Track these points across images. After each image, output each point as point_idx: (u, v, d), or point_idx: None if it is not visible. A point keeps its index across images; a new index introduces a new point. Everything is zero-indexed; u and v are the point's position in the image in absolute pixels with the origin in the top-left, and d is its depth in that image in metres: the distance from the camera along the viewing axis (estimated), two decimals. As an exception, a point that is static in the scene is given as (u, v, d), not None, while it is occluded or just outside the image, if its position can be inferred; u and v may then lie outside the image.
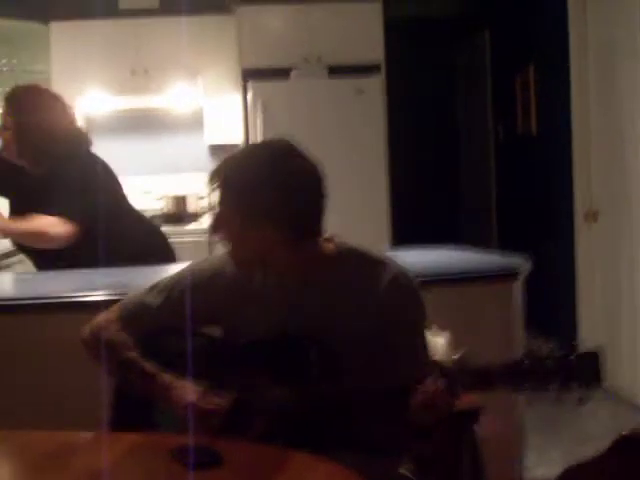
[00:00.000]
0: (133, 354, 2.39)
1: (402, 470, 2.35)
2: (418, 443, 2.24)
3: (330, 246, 2.33)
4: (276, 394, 2.23)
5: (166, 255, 4.22)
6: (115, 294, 3.22)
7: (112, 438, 2.29)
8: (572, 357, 1.90)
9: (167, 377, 2.33)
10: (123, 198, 4.28)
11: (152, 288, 2.48)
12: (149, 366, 2.35)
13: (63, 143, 3.92)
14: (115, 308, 2.51)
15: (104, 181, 4.02)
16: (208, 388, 2.28)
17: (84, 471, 2.07)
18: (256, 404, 2.27)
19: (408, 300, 2.33)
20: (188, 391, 2.28)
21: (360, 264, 2.35)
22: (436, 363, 2.06)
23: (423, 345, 2.37)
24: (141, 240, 4.22)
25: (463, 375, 2.01)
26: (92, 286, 3.41)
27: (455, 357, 2.03)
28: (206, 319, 2.40)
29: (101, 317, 2.51)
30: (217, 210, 2.24)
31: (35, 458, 2.12)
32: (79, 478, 1.99)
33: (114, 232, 3.83)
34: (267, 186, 2.17)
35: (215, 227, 2.27)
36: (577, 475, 1.77)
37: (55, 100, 4.05)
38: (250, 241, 2.24)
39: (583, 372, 1.89)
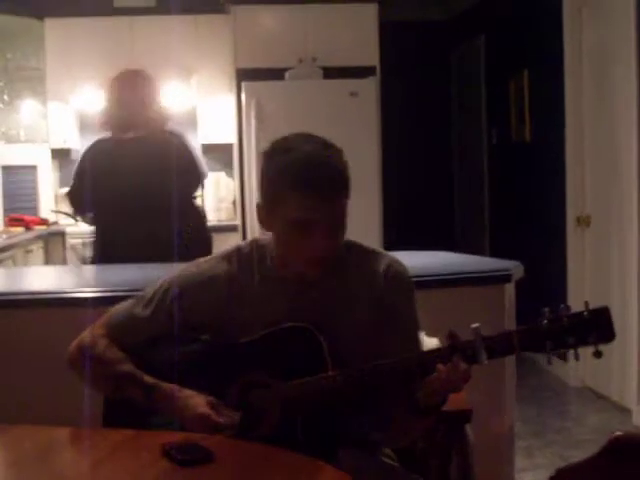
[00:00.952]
0: (129, 367, 2.33)
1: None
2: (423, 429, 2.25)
3: None
4: (282, 390, 2.21)
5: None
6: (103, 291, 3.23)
7: (101, 434, 2.28)
8: (585, 313, 2.00)
9: (171, 387, 2.28)
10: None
11: (140, 299, 2.41)
12: (148, 378, 2.30)
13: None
14: (101, 324, 2.43)
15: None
16: (215, 398, 2.24)
17: (72, 466, 2.06)
18: (263, 402, 2.25)
19: (405, 288, 2.35)
20: (197, 402, 2.23)
21: (357, 256, 2.36)
22: (454, 335, 2.07)
23: (417, 332, 2.39)
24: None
25: (486, 342, 2.05)
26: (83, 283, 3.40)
27: (474, 326, 2.04)
28: (200, 325, 2.35)
29: (86, 335, 2.42)
30: (336, 210, 2.20)
31: (22, 453, 2.10)
32: (67, 473, 1.98)
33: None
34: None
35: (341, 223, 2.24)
36: (569, 477, 1.76)
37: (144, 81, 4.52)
38: (340, 239, 2.25)
39: (597, 326, 1.99)
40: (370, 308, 2.30)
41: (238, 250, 2.39)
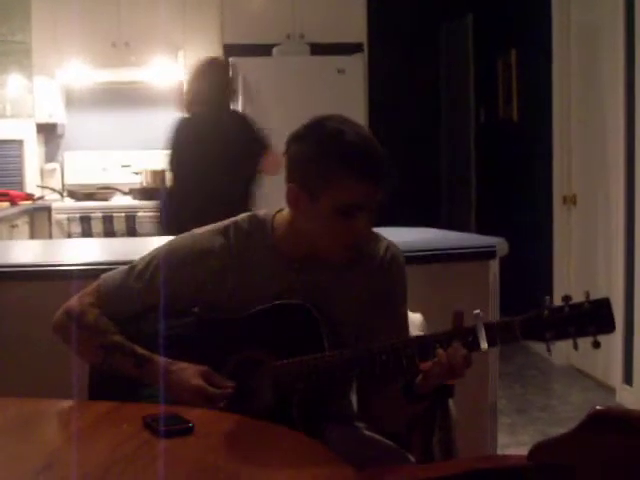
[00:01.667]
0: (118, 338, 2.30)
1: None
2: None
3: None
4: (276, 367, 2.20)
5: None
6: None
7: (83, 405, 2.28)
8: (586, 304, 2.01)
9: (163, 360, 2.26)
10: None
11: (132, 269, 2.37)
12: (141, 349, 2.28)
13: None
14: (91, 291, 2.39)
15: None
16: (209, 369, 2.23)
17: (53, 438, 2.06)
18: (258, 381, 2.25)
19: (400, 272, 2.36)
20: (190, 373, 2.21)
21: None
22: (459, 316, 2.07)
23: (407, 316, 2.41)
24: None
25: (487, 330, 2.05)
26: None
27: (476, 312, 2.05)
28: (192, 298, 2.33)
29: (75, 301, 2.38)
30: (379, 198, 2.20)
31: (3, 424, 2.09)
32: (48, 444, 1.97)
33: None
34: None
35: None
36: (548, 450, 1.77)
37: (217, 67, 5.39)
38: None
39: (597, 317, 2.00)
40: (367, 289, 2.31)
41: (235, 224, 2.36)
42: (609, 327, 2.00)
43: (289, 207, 2.26)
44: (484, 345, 2.05)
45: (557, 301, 2.03)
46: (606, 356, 5.55)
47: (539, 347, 6.30)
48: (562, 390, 5.77)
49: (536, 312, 2.04)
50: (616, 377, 5.45)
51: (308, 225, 2.23)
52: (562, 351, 6.08)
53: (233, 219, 2.39)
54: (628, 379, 5.31)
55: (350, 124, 2.19)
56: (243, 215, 2.41)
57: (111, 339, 2.31)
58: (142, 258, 2.40)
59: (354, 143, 2.15)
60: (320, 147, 2.17)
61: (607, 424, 1.72)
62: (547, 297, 2.06)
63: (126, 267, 2.41)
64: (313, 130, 2.21)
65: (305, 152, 2.20)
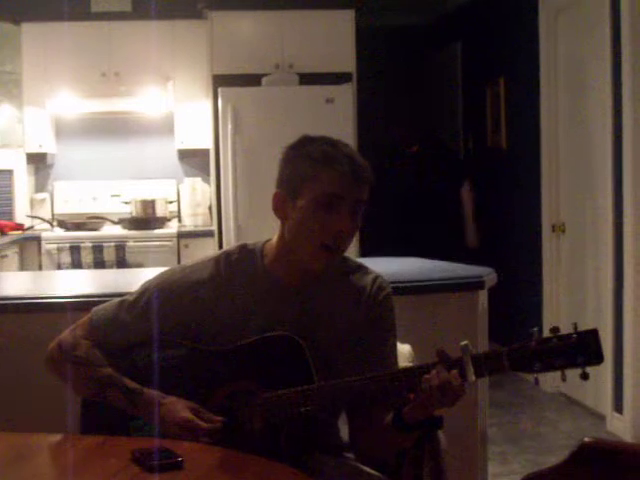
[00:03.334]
0: (110, 371, 2.33)
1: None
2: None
3: None
4: (265, 399, 2.21)
5: None
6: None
7: (71, 439, 2.27)
8: (574, 335, 2.00)
9: (154, 393, 2.28)
10: None
11: (123, 302, 2.41)
12: (131, 382, 2.30)
13: None
14: (82, 324, 2.42)
15: None
16: (198, 403, 2.24)
17: (43, 472, 2.05)
18: (247, 412, 2.25)
19: (388, 302, 2.38)
20: (180, 407, 2.23)
21: (344, 269, 2.40)
22: (442, 353, 2.07)
23: (395, 345, 2.42)
24: None
25: (474, 361, 2.04)
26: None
27: (463, 344, 2.05)
28: (182, 330, 2.34)
29: (67, 334, 2.41)
30: (362, 195, 2.28)
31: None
32: (38, 479, 1.97)
33: None
34: None
35: (360, 212, 2.29)
36: (537, 483, 1.78)
37: None
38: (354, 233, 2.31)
39: (585, 349, 1.99)
40: (353, 321, 2.33)
41: (226, 255, 2.40)
42: (597, 359, 2.00)
43: (276, 214, 2.32)
44: (471, 377, 2.05)
45: (546, 331, 2.03)
46: (596, 384, 5.56)
47: (529, 375, 6.29)
48: (552, 418, 5.76)
49: (524, 343, 2.04)
50: (606, 405, 5.45)
51: (293, 230, 2.28)
52: (552, 379, 6.08)
53: (224, 250, 2.45)
54: (618, 407, 5.32)
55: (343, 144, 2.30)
56: (233, 246, 2.46)
57: (103, 372, 2.33)
58: (134, 291, 2.43)
59: (328, 141, 2.29)
60: (296, 149, 2.31)
61: (595, 456, 1.73)
62: (535, 328, 2.06)
63: (117, 300, 2.44)
64: (302, 142, 2.33)
65: (283, 158, 2.32)
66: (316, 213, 2.22)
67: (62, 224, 7.25)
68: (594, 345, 2.00)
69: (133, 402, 2.28)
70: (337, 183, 2.21)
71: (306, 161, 2.25)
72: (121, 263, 6.80)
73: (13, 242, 6.75)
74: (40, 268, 6.86)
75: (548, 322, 6.15)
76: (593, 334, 2.01)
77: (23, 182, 7.49)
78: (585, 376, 2.00)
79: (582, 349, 1.99)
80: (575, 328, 2.02)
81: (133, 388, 2.29)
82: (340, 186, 2.21)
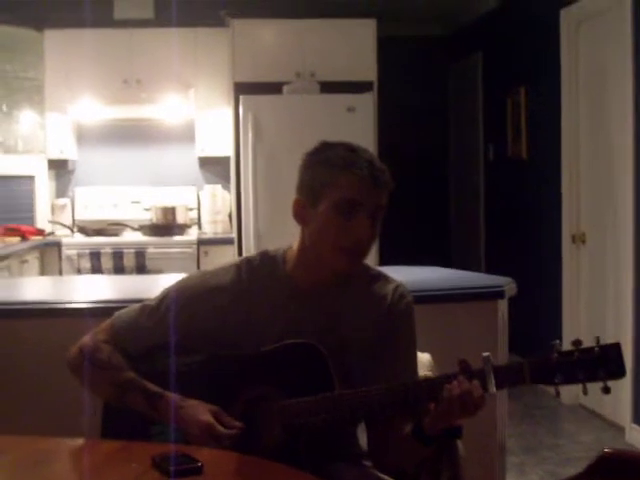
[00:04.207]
0: (131, 375, 2.34)
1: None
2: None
3: None
4: (285, 406, 2.21)
5: None
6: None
7: (93, 444, 2.28)
8: (596, 349, 1.99)
9: (175, 396, 2.28)
10: None
11: (144, 307, 2.42)
12: (152, 386, 2.31)
13: None
14: (104, 328, 2.43)
15: None
16: (219, 407, 2.24)
17: (64, 476, 2.06)
18: (266, 419, 2.25)
19: (409, 311, 2.38)
20: (201, 410, 2.23)
21: (365, 277, 2.40)
22: (464, 363, 2.07)
23: (416, 354, 2.42)
24: None
25: (495, 372, 2.04)
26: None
27: (485, 355, 2.05)
28: (203, 336, 2.35)
29: (88, 338, 2.42)
30: (382, 201, 2.29)
31: (12, 464, 2.09)
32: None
33: None
34: None
35: (380, 219, 2.31)
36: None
37: None
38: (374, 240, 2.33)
39: (607, 362, 1.98)
40: (374, 329, 2.33)
41: (247, 261, 2.41)
42: (619, 373, 1.99)
43: (296, 220, 2.33)
44: (492, 389, 2.04)
45: (566, 343, 2.02)
46: (615, 396, 5.50)
47: (549, 387, 6.28)
48: (571, 429, 5.73)
49: (545, 356, 2.03)
50: (625, 417, 5.42)
51: (313, 236, 2.28)
52: (571, 390, 6.03)
53: (245, 256, 2.46)
54: (637, 419, 5.29)
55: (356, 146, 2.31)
56: (254, 253, 2.47)
57: (125, 376, 2.34)
58: (155, 296, 2.44)
59: (347, 147, 2.28)
60: (315, 155, 2.31)
61: (614, 467, 1.72)
62: (557, 341, 2.04)
63: (139, 305, 2.45)
64: (311, 149, 2.34)
65: (303, 164, 2.33)
66: (336, 219, 2.23)
67: (82, 230, 7.29)
68: (616, 359, 1.99)
69: (153, 405, 2.28)
70: (356, 188, 2.21)
71: (325, 167, 2.26)
72: (141, 270, 6.82)
73: (34, 247, 6.79)
74: (60, 273, 6.89)
75: (568, 333, 6.12)
76: (616, 348, 2.00)
77: (44, 188, 7.53)
78: (607, 390, 1.99)
79: (604, 363, 1.98)
80: (597, 341, 2.00)
81: (154, 392, 2.30)
82: (359, 191, 2.22)
